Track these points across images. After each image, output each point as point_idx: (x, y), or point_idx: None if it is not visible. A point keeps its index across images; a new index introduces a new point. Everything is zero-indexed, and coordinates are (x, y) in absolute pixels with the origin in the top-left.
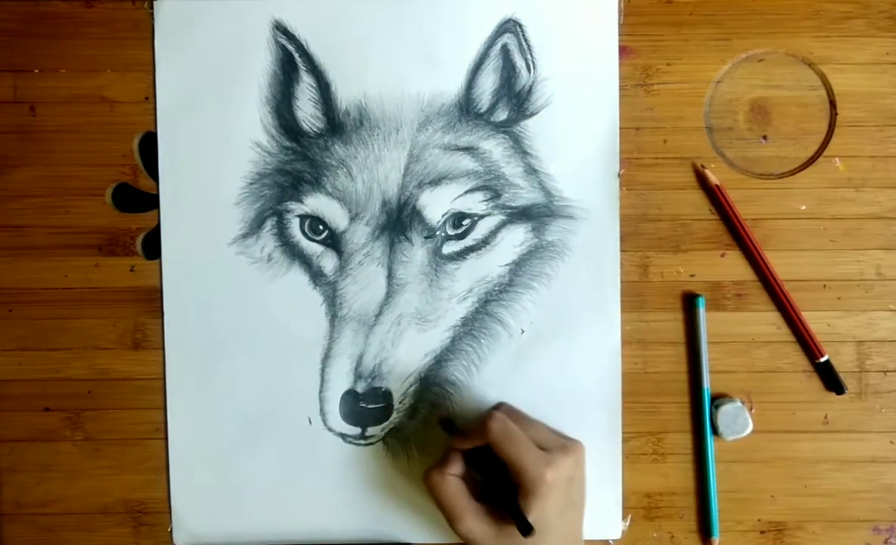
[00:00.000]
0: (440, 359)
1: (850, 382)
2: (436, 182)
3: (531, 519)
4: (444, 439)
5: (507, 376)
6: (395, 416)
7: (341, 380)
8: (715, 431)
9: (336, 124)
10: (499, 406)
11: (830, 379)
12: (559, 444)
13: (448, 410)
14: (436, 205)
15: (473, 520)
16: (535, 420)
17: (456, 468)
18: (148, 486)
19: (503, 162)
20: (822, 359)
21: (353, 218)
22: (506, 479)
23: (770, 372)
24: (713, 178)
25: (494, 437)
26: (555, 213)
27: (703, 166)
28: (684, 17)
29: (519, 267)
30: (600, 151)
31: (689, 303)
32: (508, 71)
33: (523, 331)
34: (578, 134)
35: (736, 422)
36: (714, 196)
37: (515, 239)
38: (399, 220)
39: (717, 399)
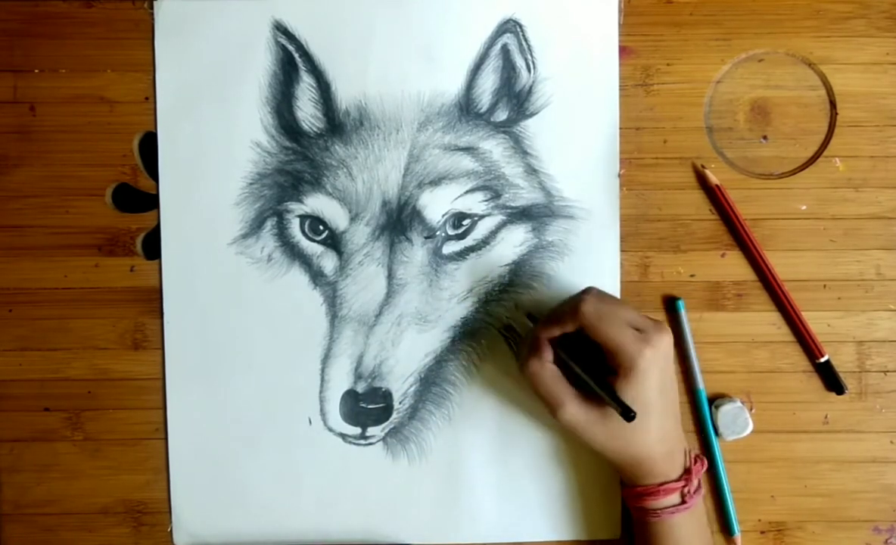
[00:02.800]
0: (440, 359)
1: (850, 382)
2: (436, 182)
3: (631, 399)
4: (444, 437)
5: (507, 376)
6: (395, 416)
7: (341, 381)
8: (715, 431)
9: (336, 124)
10: (588, 290)
11: (830, 379)
12: (651, 324)
13: (526, 307)
14: (436, 205)
15: (576, 406)
16: (623, 302)
17: (550, 355)
18: (148, 486)
19: (503, 162)
20: (823, 360)
21: (354, 218)
22: (600, 364)
23: (770, 372)
24: (713, 178)
25: (589, 319)
26: (555, 214)
27: (703, 166)
28: (684, 17)
29: (519, 267)
30: (600, 151)
31: (670, 306)
32: (508, 71)
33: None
34: (578, 134)
35: (736, 422)
36: (714, 196)
37: (515, 239)
38: (399, 221)
39: (717, 399)
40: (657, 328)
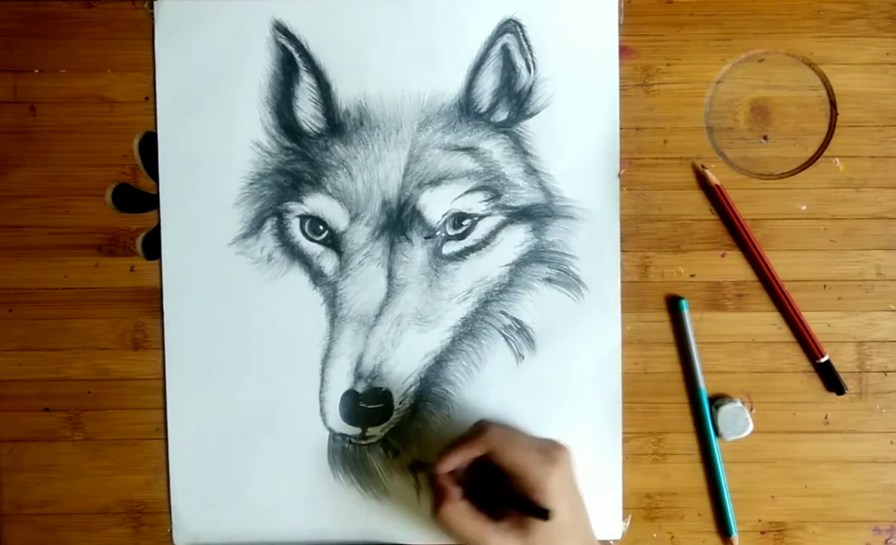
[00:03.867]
0: (440, 360)
1: (850, 382)
2: (436, 182)
3: (546, 525)
4: (444, 437)
5: (506, 376)
6: (395, 416)
7: (341, 381)
8: (715, 431)
9: (336, 124)
10: (484, 420)
11: (831, 379)
12: (549, 444)
13: (411, 454)
14: (436, 205)
15: (501, 537)
16: (519, 429)
17: (458, 492)
18: (148, 486)
19: (503, 162)
20: (823, 360)
21: (354, 218)
22: (505, 487)
23: (770, 372)
24: (713, 179)
25: (497, 441)
26: (555, 214)
27: (703, 166)
28: (684, 17)
29: (519, 267)
30: (600, 151)
31: (673, 305)
32: (508, 71)
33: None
34: (578, 134)
35: (736, 422)
36: (714, 196)
37: (515, 239)
38: (399, 221)
39: (718, 399)
40: (556, 446)
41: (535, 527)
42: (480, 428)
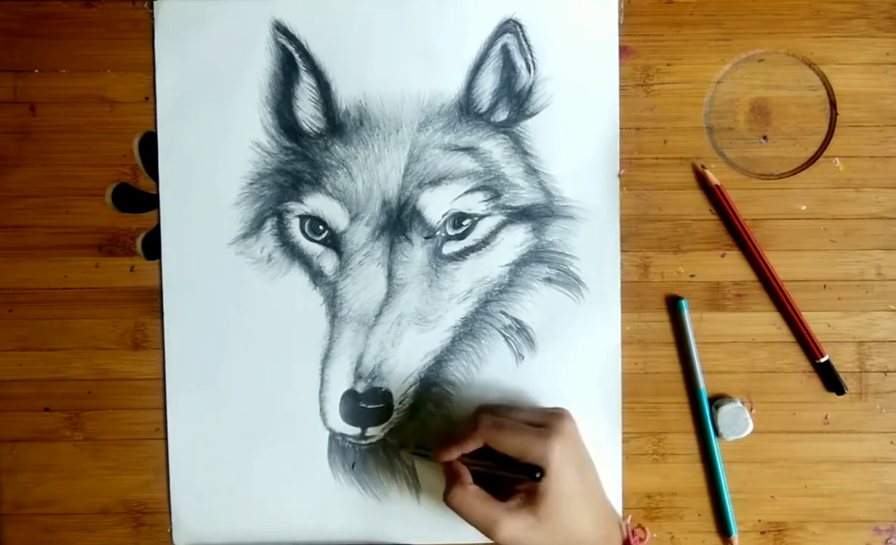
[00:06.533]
0: (440, 360)
1: (850, 383)
2: (436, 182)
3: (554, 494)
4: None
5: (507, 376)
6: (395, 416)
7: (341, 381)
8: (715, 431)
9: (336, 124)
10: (479, 408)
11: (831, 379)
12: (549, 414)
13: (410, 442)
14: (436, 205)
15: (511, 519)
16: (514, 405)
17: (468, 476)
18: (148, 486)
19: (503, 162)
20: (823, 360)
21: (354, 218)
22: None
23: (770, 372)
24: (713, 179)
25: (489, 434)
26: (555, 214)
27: (703, 166)
28: (684, 17)
29: (519, 267)
30: (600, 151)
31: (673, 305)
32: (508, 71)
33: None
34: (578, 134)
35: (736, 422)
36: (714, 196)
37: (515, 239)
38: (399, 221)
39: (718, 399)
40: (556, 415)
41: (542, 500)
42: (474, 420)
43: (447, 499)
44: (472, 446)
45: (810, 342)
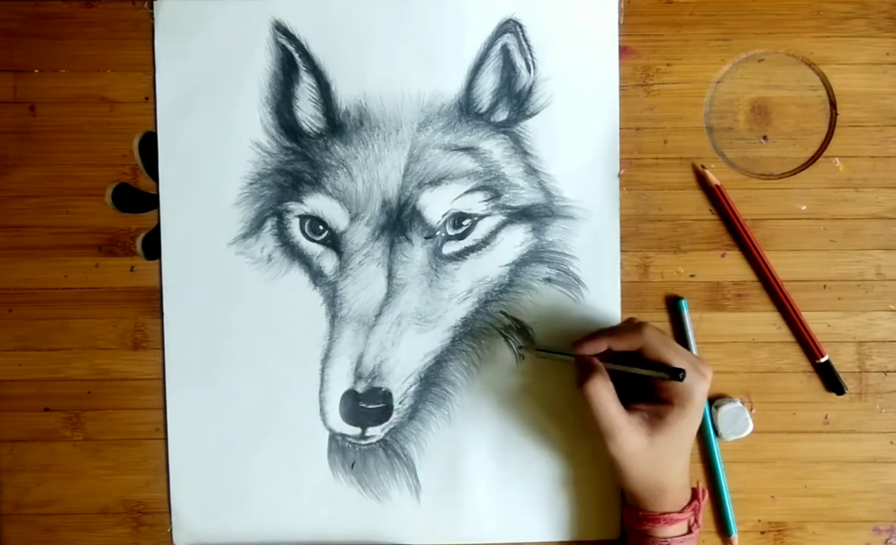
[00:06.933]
0: (440, 360)
1: (850, 382)
2: (436, 182)
3: (682, 428)
4: (444, 436)
5: (507, 376)
6: (395, 416)
7: (341, 381)
8: (715, 431)
9: (336, 124)
10: (631, 319)
11: (831, 379)
12: (698, 359)
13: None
14: (436, 205)
15: (630, 434)
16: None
17: (607, 375)
18: (148, 486)
19: (503, 162)
20: (823, 360)
21: (354, 218)
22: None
23: (770, 372)
24: (713, 179)
25: (654, 341)
26: (555, 214)
27: (703, 166)
28: (684, 17)
29: (519, 267)
30: (600, 151)
31: (673, 305)
32: (508, 71)
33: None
34: (578, 134)
35: (736, 422)
36: (714, 196)
37: (515, 239)
38: (399, 221)
39: (718, 399)
40: (703, 362)
41: (663, 427)
42: (634, 324)
43: (585, 386)
44: (623, 345)
45: (810, 342)
